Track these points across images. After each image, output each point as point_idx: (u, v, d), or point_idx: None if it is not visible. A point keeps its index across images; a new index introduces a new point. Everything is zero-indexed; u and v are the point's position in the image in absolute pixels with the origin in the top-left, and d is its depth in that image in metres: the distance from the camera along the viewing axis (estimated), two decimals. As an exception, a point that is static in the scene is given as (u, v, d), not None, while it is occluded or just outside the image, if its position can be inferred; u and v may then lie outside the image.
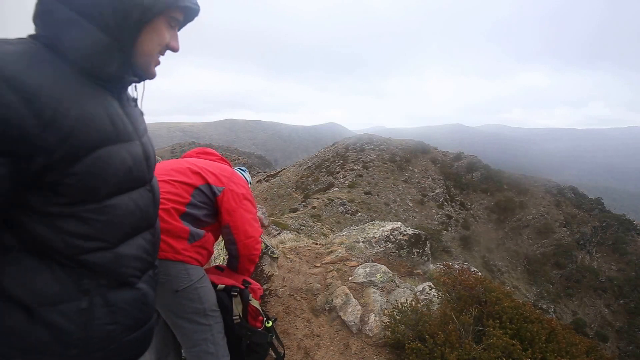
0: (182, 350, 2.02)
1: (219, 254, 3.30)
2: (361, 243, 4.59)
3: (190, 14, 0.91)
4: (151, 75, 0.87)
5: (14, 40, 0.69)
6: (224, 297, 1.87)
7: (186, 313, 1.62)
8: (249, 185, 2.17)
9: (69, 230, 0.74)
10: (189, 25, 0.98)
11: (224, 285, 1.89)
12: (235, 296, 1.92)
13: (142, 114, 0.98)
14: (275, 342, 2.29)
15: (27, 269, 0.72)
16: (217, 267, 2.03)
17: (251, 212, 1.82)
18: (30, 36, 0.73)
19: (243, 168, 2.25)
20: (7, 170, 0.64)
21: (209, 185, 1.69)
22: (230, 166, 1.96)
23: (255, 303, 2.01)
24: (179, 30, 0.92)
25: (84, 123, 0.72)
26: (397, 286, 3.38)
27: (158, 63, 0.87)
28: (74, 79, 0.73)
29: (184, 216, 1.59)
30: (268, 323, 2.04)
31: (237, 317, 1.90)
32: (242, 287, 1.93)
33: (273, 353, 2.16)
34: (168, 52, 0.89)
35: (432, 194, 32.85)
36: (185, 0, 0.83)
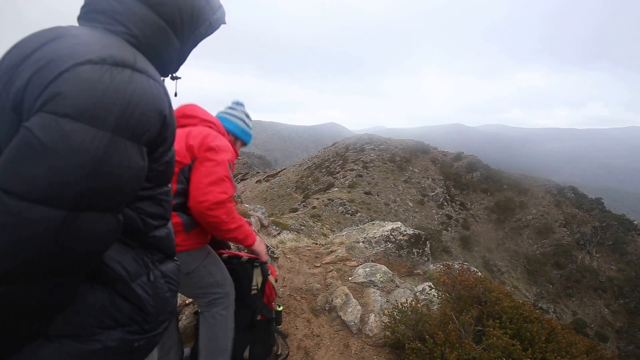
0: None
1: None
2: (361, 243, 4.59)
3: None
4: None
5: (117, 39, 0.73)
6: (248, 267, 2.05)
7: (201, 288, 1.77)
8: (248, 120, 1.99)
9: (146, 211, 0.84)
10: None
11: (247, 257, 2.06)
12: (257, 267, 2.09)
13: None
14: (279, 341, 2.34)
15: (116, 249, 0.81)
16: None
17: (211, 174, 1.56)
18: (111, 30, 0.75)
19: (238, 102, 2.00)
20: (146, 158, 0.72)
21: (188, 165, 1.59)
22: (214, 123, 1.75)
23: (272, 280, 2.18)
24: None
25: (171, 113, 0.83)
26: (397, 286, 3.38)
27: None
28: None
29: (174, 208, 1.57)
30: (279, 307, 2.22)
31: (255, 287, 2.06)
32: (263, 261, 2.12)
33: (276, 348, 2.22)
34: None
35: (432, 194, 32.84)
36: (224, 19, 0.97)
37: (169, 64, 0.88)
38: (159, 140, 0.75)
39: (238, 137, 1.98)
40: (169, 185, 0.92)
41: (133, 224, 0.82)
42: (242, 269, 2.05)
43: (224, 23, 0.98)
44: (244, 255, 2.05)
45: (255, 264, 2.08)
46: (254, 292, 2.05)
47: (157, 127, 0.72)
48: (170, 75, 0.94)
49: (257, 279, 2.06)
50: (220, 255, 2.19)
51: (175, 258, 1.04)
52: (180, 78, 0.97)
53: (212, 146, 1.61)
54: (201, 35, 0.91)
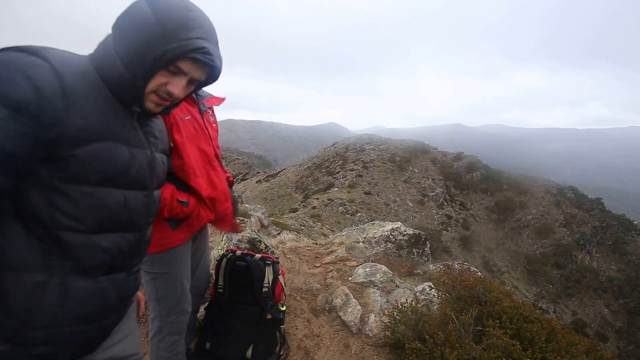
0: None
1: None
2: (361, 243, 4.59)
3: (205, 66, 0.96)
4: (148, 111, 0.96)
5: (81, 56, 0.89)
6: (261, 264, 2.15)
7: (148, 295, 1.60)
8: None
9: (57, 205, 0.81)
10: None
11: (260, 255, 2.17)
12: (269, 265, 2.17)
13: (168, 140, 1.26)
14: (280, 342, 2.36)
15: (5, 231, 0.78)
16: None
17: None
18: (90, 56, 0.92)
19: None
20: (30, 131, 0.74)
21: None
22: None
23: (282, 281, 2.25)
24: (204, 86, 1.05)
25: (95, 118, 0.84)
26: (397, 286, 3.38)
27: (158, 102, 0.95)
28: (104, 93, 0.88)
29: None
30: (282, 307, 2.25)
31: (267, 285, 2.13)
32: (267, 255, 2.24)
33: (278, 349, 2.23)
34: None
35: (432, 194, 32.85)
36: (191, 53, 0.90)
37: (126, 93, 0.91)
38: (43, 112, 0.75)
39: None
40: (96, 188, 0.86)
41: (38, 213, 0.79)
42: (255, 266, 2.13)
43: (196, 56, 0.93)
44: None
45: (267, 262, 2.18)
46: (265, 289, 2.10)
47: (25, 93, 0.74)
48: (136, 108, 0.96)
49: (268, 276, 2.14)
50: (233, 252, 2.21)
51: (100, 281, 0.90)
52: (139, 113, 0.96)
53: None
54: (150, 66, 0.90)
